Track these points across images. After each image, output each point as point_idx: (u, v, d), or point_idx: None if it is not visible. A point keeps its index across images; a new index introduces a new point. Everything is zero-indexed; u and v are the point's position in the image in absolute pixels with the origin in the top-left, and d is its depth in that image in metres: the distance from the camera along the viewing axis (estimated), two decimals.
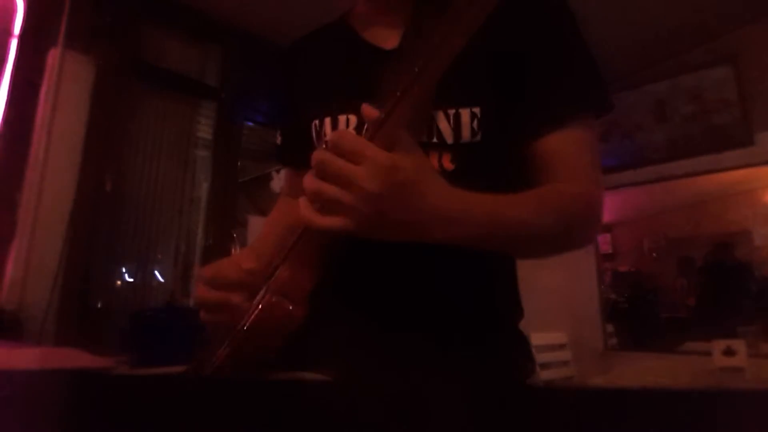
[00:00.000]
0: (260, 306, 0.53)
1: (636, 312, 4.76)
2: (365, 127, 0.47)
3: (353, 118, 0.66)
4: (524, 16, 0.63)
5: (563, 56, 0.62)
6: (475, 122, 0.60)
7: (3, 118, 2.08)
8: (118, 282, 2.46)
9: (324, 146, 0.48)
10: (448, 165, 0.61)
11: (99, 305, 2.32)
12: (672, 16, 2.82)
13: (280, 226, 0.80)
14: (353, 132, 0.46)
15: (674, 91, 3.26)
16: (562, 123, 0.60)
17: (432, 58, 0.44)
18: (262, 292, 0.57)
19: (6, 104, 2.10)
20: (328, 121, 0.68)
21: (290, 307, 0.52)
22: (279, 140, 0.82)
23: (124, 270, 2.48)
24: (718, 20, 2.91)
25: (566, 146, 0.60)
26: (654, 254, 5.99)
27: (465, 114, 0.61)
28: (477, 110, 0.61)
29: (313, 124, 0.70)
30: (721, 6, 2.78)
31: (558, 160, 0.60)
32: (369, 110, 0.47)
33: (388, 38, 0.68)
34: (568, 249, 0.61)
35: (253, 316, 0.53)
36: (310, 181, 0.46)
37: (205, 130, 2.87)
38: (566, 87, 0.61)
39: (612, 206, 5.14)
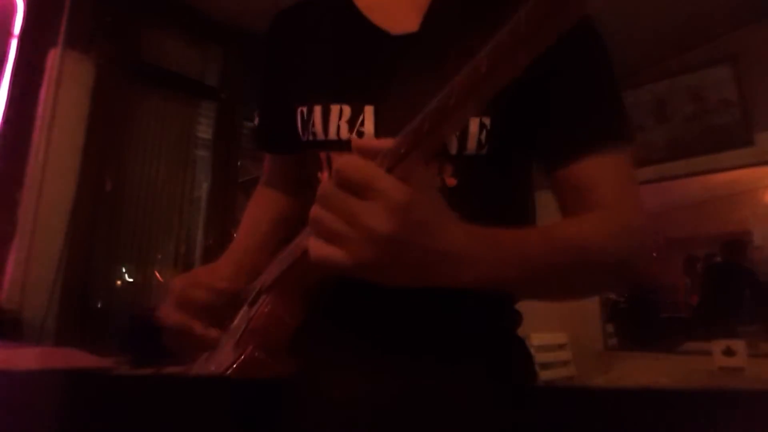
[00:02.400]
0: (242, 358, 0.49)
1: (636, 312, 4.75)
2: (379, 154, 0.39)
3: (347, 109, 0.59)
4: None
5: (598, 80, 0.58)
6: (484, 134, 0.55)
7: (3, 118, 2.08)
8: (118, 282, 2.46)
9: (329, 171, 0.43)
10: (450, 180, 0.56)
11: (99, 305, 2.32)
12: (672, 16, 2.82)
13: (259, 225, 0.75)
14: (364, 162, 0.38)
15: (674, 91, 3.25)
16: (602, 148, 0.54)
17: (474, 91, 0.35)
18: (241, 332, 0.53)
19: (6, 104, 2.09)
20: (318, 109, 0.60)
21: (273, 363, 0.48)
22: (257, 122, 0.75)
23: (124, 270, 2.48)
24: (718, 20, 2.90)
25: (606, 173, 0.54)
26: (654, 254, 5.98)
27: (474, 124, 0.55)
28: (487, 121, 0.55)
29: (300, 110, 0.63)
30: (721, 6, 2.78)
31: (596, 187, 0.54)
32: (384, 141, 0.39)
33: (396, 21, 0.60)
34: (609, 289, 0.56)
35: (232, 371, 0.49)
36: (314, 206, 0.40)
37: (205, 130, 2.87)
38: (605, 112, 0.57)
39: None
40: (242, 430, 0.29)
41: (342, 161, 0.38)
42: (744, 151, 2.96)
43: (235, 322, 0.56)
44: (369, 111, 0.58)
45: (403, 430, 0.28)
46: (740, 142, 2.97)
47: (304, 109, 0.62)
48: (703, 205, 4.98)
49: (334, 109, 0.59)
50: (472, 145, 0.55)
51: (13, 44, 2.16)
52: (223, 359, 0.52)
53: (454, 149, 0.55)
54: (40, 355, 1.38)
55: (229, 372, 0.49)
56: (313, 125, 0.61)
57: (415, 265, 0.40)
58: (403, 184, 0.37)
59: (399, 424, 0.29)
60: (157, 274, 2.59)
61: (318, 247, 0.39)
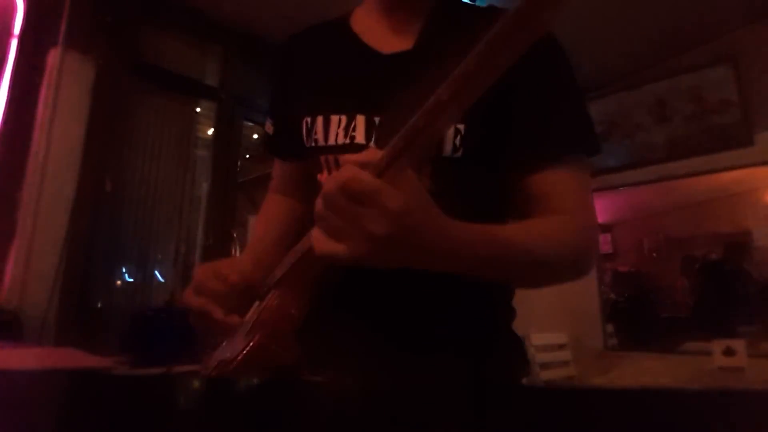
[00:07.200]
0: (251, 345, 0.53)
1: (636, 312, 4.76)
2: (369, 161, 0.43)
3: (344, 119, 0.66)
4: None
5: (561, 94, 0.64)
6: (458, 138, 0.61)
7: (3, 118, 2.08)
8: (118, 282, 2.46)
9: (330, 170, 0.47)
10: (425, 182, 0.60)
11: (99, 305, 2.32)
12: (672, 16, 2.82)
13: (274, 225, 0.80)
14: (365, 174, 0.42)
15: (674, 91, 3.26)
16: (561, 159, 0.61)
17: (456, 97, 0.38)
18: (252, 323, 0.57)
19: (6, 104, 2.10)
20: (320, 120, 0.68)
21: (279, 351, 0.52)
22: (270, 129, 0.82)
23: (124, 270, 2.48)
24: (718, 20, 2.91)
25: (565, 182, 0.61)
26: (654, 254, 5.99)
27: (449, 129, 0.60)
28: (461, 127, 0.61)
29: (305, 120, 0.70)
30: (721, 6, 2.78)
31: (556, 195, 0.61)
32: (369, 153, 0.44)
33: (387, 43, 0.68)
34: (567, 279, 0.61)
35: (241, 357, 0.53)
36: (317, 202, 0.44)
37: (205, 130, 2.87)
38: (566, 125, 0.62)
39: (612, 206, 5.14)
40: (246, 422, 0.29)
41: (345, 174, 0.42)
42: (744, 151, 2.96)
43: (248, 315, 0.61)
44: (360, 119, 0.65)
45: (395, 421, 0.29)
46: (740, 142, 2.97)
47: (309, 119, 0.70)
48: (702, 205, 4.99)
49: (334, 119, 0.67)
50: (447, 148, 0.61)
51: (13, 44, 2.16)
52: (234, 348, 0.56)
53: (431, 150, 0.60)
54: (40, 355, 1.39)
55: (238, 359, 0.53)
56: (315, 133, 0.68)
57: (401, 258, 0.46)
58: (398, 192, 0.42)
59: (390, 415, 0.29)
60: (157, 274, 2.59)
61: (322, 242, 0.44)
